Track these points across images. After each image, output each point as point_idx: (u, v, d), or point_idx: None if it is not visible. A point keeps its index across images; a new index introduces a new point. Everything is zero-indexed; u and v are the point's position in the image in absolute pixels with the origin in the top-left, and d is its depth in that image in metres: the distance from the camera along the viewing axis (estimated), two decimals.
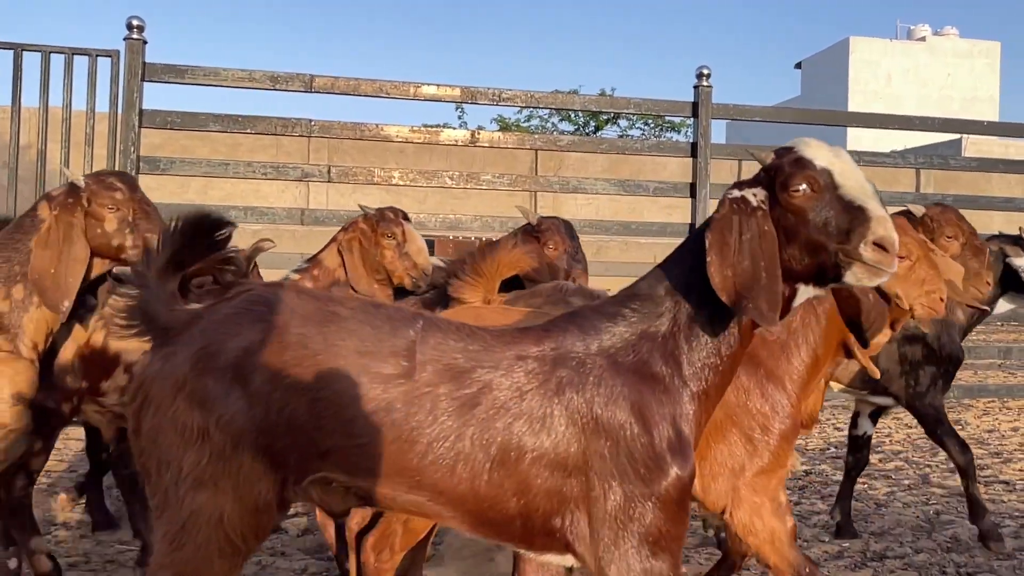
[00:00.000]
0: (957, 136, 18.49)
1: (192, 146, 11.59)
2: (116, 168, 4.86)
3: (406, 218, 3.18)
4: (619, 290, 1.74)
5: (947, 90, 32.24)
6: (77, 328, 2.53)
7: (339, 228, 3.40)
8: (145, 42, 4.85)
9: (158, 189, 9.59)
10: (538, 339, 1.63)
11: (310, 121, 5.22)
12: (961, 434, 5.00)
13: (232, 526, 1.53)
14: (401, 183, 5.60)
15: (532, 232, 3.51)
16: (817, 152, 1.58)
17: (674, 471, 1.56)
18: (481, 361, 1.57)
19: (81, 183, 2.35)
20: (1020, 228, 3.75)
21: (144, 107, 4.87)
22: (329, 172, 5.39)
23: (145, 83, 4.86)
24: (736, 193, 1.61)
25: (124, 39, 4.83)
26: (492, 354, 1.59)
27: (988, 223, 9.95)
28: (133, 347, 2.48)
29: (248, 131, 5.23)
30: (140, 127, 4.85)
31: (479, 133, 5.96)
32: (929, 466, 4.88)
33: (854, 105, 30.26)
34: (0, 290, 2.27)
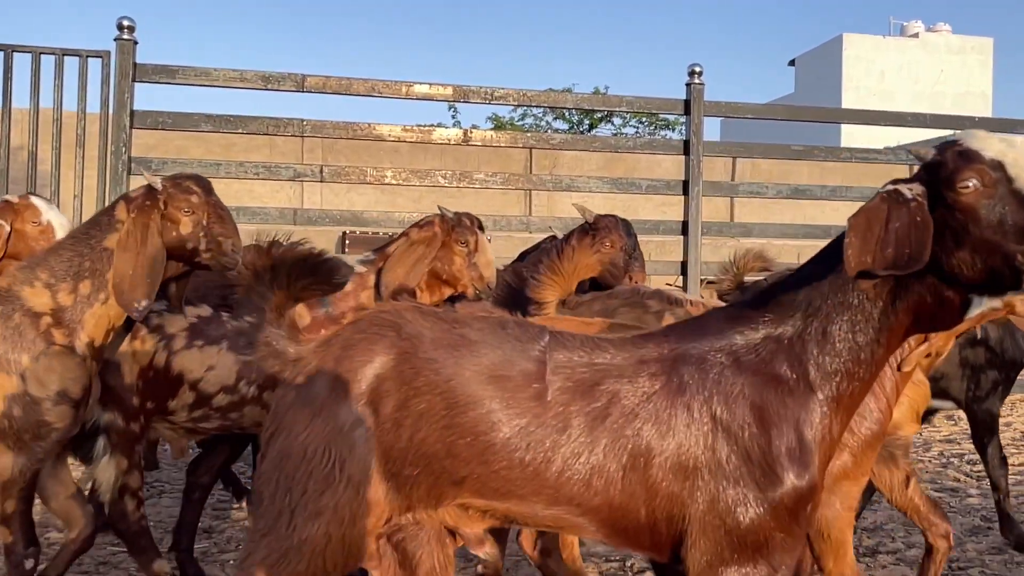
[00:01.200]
0: (950, 132, 18.59)
1: (187, 146, 11.55)
2: (107, 169, 4.86)
3: (481, 227, 3.11)
4: (749, 292, 1.69)
5: (940, 86, 32.29)
6: (139, 349, 2.54)
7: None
8: (136, 43, 4.85)
9: None
10: (659, 342, 1.62)
11: (302, 121, 5.22)
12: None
13: (333, 553, 1.54)
14: (394, 182, 5.60)
15: (588, 230, 3.49)
16: (985, 143, 1.45)
17: (790, 478, 1.50)
18: (607, 372, 1.57)
19: (158, 185, 2.37)
20: None
21: (135, 108, 4.87)
22: (321, 172, 5.39)
23: (136, 84, 4.87)
24: (890, 187, 1.50)
25: (115, 40, 4.83)
26: (617, 364, 1.59)
27: None
28: (196, 366, 2.56)
29: (240, 131, 5.23)
30: (131, 128, 4.85)
31: (472, 132, 5.97)
32: (921, 462, 4.90)
33: (848, 102, 30.30)
34: (67, 284, 2.28)
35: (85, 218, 5.20)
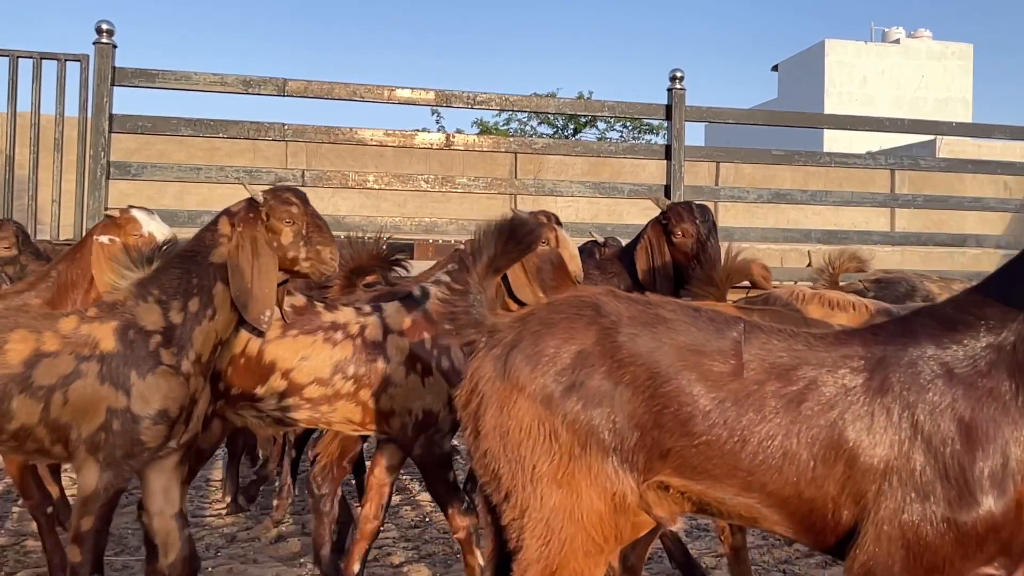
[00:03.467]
0: (932, 137, 18.73)
1: (169, 151, 11.48)
2: (86, 174, 4.82)
3: (559, 223, 3.10)
4: (963, 291, 1.64)
5: (921, 91, 32.58)
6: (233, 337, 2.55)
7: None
8: (115, 46, 4.81)
9: (135, 195, 9.46)
10: (866, 341, 1.58)
11: (283, 125, 5.20)
12: None
13: (591, 524, 1.56)
14: (376, 187, 5.59)
15: (660, 221, 3.47)
16: None
17: (987, 503, 1.44)
18: (806, 359, 1.56)
19: (260, 198, 2.43)
20: None
21: (114, 112, 4.83)
22: (303, 176, 5.37)
23: (115, 87, 4.82)
24: None
25: (94, 43, 4.79)
26: (817, 353, 1.57)
27: (961, 222, 10.07)
28: (288, 354, 2.58)
29: (220, 135, 5.20)
30: (110, 132, 4.81)
31: (454, 137, 5.96)
32: None
33: (830, 107, 30.54)
34: (177, 302, 2.32)
35: (63, 223, 5.16)
